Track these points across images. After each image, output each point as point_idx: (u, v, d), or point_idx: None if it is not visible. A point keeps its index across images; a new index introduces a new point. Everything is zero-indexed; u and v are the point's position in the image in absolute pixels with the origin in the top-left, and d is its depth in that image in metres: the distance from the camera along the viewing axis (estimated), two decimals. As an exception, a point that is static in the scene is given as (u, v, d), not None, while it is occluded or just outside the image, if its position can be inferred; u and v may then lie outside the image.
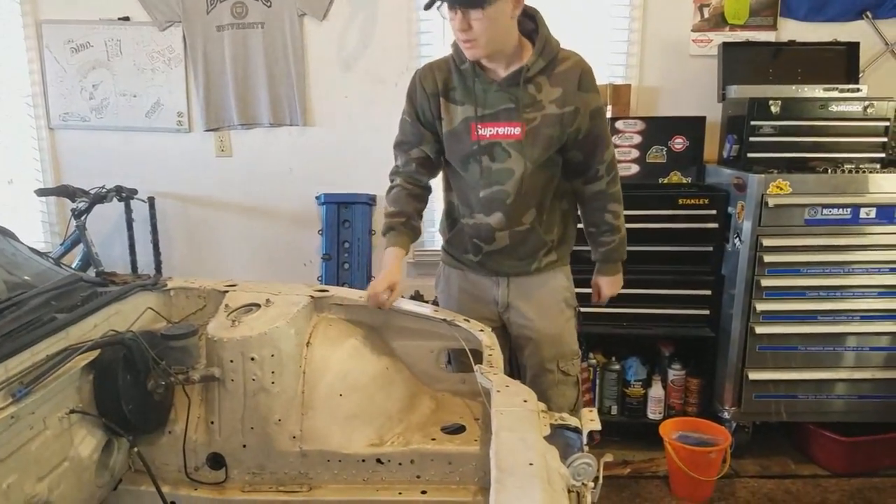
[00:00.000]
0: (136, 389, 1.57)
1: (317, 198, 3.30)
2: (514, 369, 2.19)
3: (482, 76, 1.85)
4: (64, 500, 1.46)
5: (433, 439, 1.74)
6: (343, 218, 3.26)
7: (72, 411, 1.48)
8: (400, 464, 1.71)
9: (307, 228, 3.35)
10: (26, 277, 1.72)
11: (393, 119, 3.13)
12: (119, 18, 3.17)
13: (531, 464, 1.22)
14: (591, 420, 1.49)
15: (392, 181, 2.02)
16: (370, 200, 3.28)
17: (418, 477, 1.72)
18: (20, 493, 1.34)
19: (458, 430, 1.79)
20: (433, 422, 1.83)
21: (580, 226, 2.14)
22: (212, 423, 1.72)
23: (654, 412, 2.91)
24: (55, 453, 1.45)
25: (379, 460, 1.72)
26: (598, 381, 2.93)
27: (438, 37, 3.19)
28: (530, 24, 1.85)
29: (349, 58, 3.21)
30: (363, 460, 1.72)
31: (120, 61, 3.21)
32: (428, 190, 2.04)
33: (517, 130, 1.84)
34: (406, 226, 1.95)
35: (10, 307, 1.50)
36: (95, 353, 1.50)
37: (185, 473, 1.72)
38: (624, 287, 2.74)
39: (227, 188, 3.37)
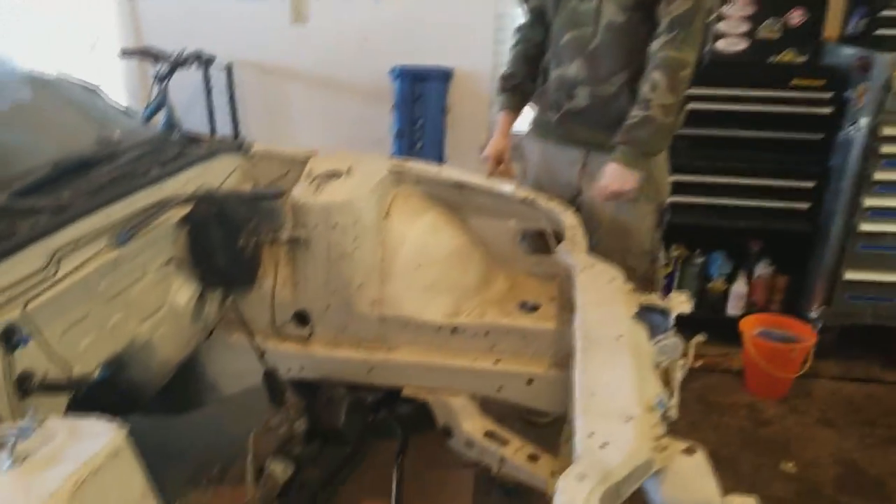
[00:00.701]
0: (228, 244, 1.63)
1: (391, 71, 3.15)
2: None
3: None
4: (163, 341, 1.57)
5: (508, 314, 1.75)
6: (417, 93, 3.11)
7: (169, 261, 1.56)
8: (474, 335, 1.75)
9: (380, 104, 3.24)
10: (118, 133, 1.76)
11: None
12: None
13: (619, 337, 1.20)
14: (681, 302, 1.45)
15: (514, 40, 2.06)
16: (446, 75, 3.11)
17: (492, 348, 1.75)
18: (125, 330, 1.44)
19: (533, 308, 1.79)
20: (508, 299, 1.84)
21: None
22: (297, 282, 1.78)
23: (734, 308, 2.82)
24: (155, 299, 1.54)
25: (454, 329, 1.75)
26: (677, 275, 2.84)
27: None
28: None
29: None
30: (439, 328, 1.75)
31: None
32: (543, 41, 2.01)
33: None
34: (517, 89, 2.02)
35: (109, 157, 1.54)
36: (189, 206, 1.55)
37: (272, 327, 1.80)
38: (716, 175, 2.62)
39: (303, 58, 3.28)
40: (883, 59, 2.33)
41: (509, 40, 2.12)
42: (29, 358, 1.14)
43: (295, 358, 1.81)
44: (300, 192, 1.75)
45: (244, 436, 1.76)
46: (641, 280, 1.96)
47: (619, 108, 1.82)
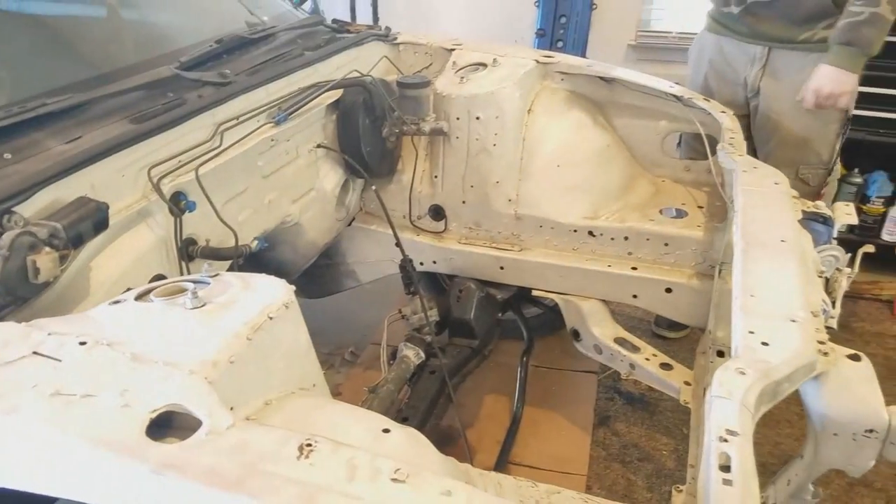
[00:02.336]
0: (374, 133, 1.65)
1: (538, -37, 3.03)
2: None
3: None
4: (310, 223, 1.64)
5: (651, 220, 1.69)
6: (564, -12, 2.98)
7: (319, 145, 1.60)
8: (612, 238, 1.70)
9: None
10: (271, 15, 1.79)
11: None
12: None
13: (784, 240, 1.13)
14: (846, 213, 1.34)
15: None
16: (596, -33, 2.95)
17: (630, 254, 1.70)
18: (279, 209, 1.51)
19: (678, 214, 1.72)
20: (652, 204, 1.77)
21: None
22: (435, 176, 1.79)
23: (890, 233, 2.60)
24: (305, 181, 1.60)
25: (591, 233, 1.72)
26: (834, 194, 2.62)
27: None
28: None
29: None
30: (575, 230, 1.73)
31: None
32: None
33: None
34: None
35: (265, 38, 1.58)
36: (340, 92, 1.57)
37: (409, 220, 1.84)
38: (885, 87, 2.34)
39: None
40: None
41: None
42: (194, 224, 1.21)
43: (429, 251, 1.84)
44: (444, 82, 1.73)
45: (377, 322, 1.85)
46: (812, 194, 1.84)
47: (813, 1, 1.67)
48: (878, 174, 2.57)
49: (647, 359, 1.64)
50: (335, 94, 1.57)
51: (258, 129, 1.37)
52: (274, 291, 0.85)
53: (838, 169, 1.90)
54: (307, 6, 2.98)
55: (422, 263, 1.86)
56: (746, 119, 1.90)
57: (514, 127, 1.72)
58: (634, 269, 1.69)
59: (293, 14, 1.85)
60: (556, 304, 1.78)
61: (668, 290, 1.65)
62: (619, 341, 1.71)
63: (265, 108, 1.37)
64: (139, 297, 0.82)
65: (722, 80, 1.90)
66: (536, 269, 1.77)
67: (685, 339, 2.21)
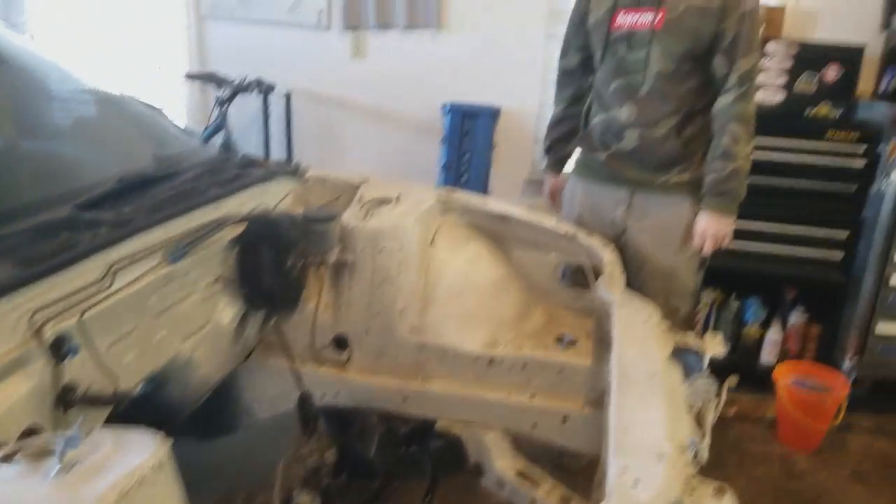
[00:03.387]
0: (276, 266, 1.67)
1: (442, 106, 3.28)
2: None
3: None
4: (204, 360, 1.59)
5: (545, 348, 1.77)
6: (466, 129, 3.23)
7: (217, 279, 1.61)
8: (511, 367, 1.76)
9: (429, 137, 3.36)
10: (178, 152, 1.83)
11: (526, 31, 3.08)
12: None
13: (653, 376, 1.22)
14: (715, 344, 1.46)
15: (555, 100, 2.19)
16: (494, 113, 3.23)
17: (528, 382, 1.76)
18: (170, 347, 1.47)
19: (570, 342, 1.81)
20: (546, 332, 1.86)
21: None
22: (339, 306, 1.82)
23: (768, 355, 2.81)
24: (199, 317, 1.57)
25: (491, 361, 1.77)
26: (712, 318, 2.84)
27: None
28: None
29: (489, -38, 3.11)
30: (476, 359, 1.78)
31: (270, -44, 3.24)
32: (574, 102, 2.12)
33: (658, 17, 1.80)
34: (550, 151, 2.21)
35: (169, 176, 1.61)
36: (243, 225, 1.61)
37: (311, 351, 1.84)
38: (755, 220, 2.63)
39: (359, 90, 3.40)
40: (917, 117, 2.36)
41: (554, 90, 2.21)
42: (75, 369, 1.14)
43: (331, 383, 1.83)
44: (350, 216, 1.81)
45: (273, 464, 1.78)
46: (683, 321, 2.00)
47: (667, 149, 1.89)
48: (753, 299, 2.81)
49: (548, 493, 1.65)
50: (238, 229, 1.61)
51: (154, 267, 1.36)
52: (147, 451, 0.82)
53: (703, 297, 2.08)
54: (217, 142, 3.10)
55: (324, 395, 1.84)
56: (619, 253, 2.05)
57: (416, 257, 1.80)
58: (533, 397, 1.75)
59: (203, 150, 1.91)
60: (460, 438, 1.79)
61: (565, 420, 1.70)
62: (522, 474, 1.72)
63: (161, 246, 1.38)
64: (5, 458, 0.79)
65: (594, 218, 2.06)
66: (439, 400, 1.79)
67: (587, 467, 2.25)
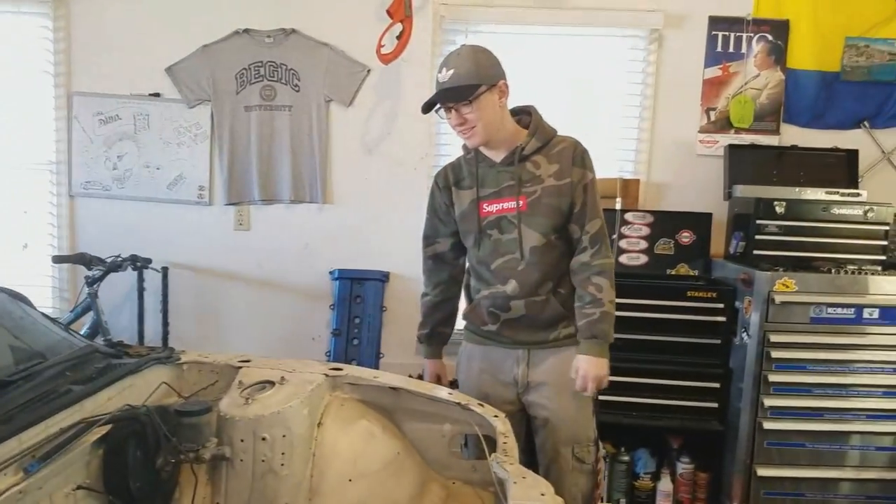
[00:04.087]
0: (145, 467, 1.54)
1: (330, 273, 3.33)
2: (529, 456, 2.14)
3: (485, 161, 2.03)
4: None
5: (443, 531, 1.70)
6: (356, 293, 3.28)
7: (78, 487, 1.45)
8: (408, 556, 1.67)
9: (319, 303, 3.36)
10: (40, 346, 1.72)
11: (409, 200, 3.29)
12: (150, 94, 3.28)
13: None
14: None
15: (423, 288, 2.28)
16: (383, 277, 3.31)
17: (426, 571, 1.67)
18: (21, 572, 1.29)
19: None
20: (444, 511, 1.79)
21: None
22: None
23: (662, 507, 2.84)
24: (57, 531, 1.41)
25: (382, 552, 1.67)
26: (607, 472, 2.87)
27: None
28: (527, 117, 2.03)
29: (371, 142, 3.32)
30: (370, 551, 1.67)
31: (147, 134, 3.30)
32: (452, 287, 2.23)
33: (520, 203, 1.98)
34: (432, 338, 2.26)
35: (26, 377, 1.49)
36: (108, 427, 1.49)
37: (186, 557, 1.66)
38: (633, 376, 2.77)
39: (243, 261, 3.39)
40: (762, 276, 2.65)
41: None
42: None
43: None
44: (228, 404, 1.72)
45: None
46: (591, 472, 2.07)
47: (550, 311, 2.02)
48: (642, 452, 2.88)
49: None
50: (103, 430, 1.48)
51: (5, 487, 1.23)
52: None
53: (601, 448, 2.12)
54: (86, 323, 2.95)
55: None
56: (522, 412, 2.11)
57: (303, 444, 1.71)
58: (432, 587, 1.64)
59: (67, 341, 1.79)
60: None
61: None
62: None
63: (14, 459, 1.25)
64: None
65: (495, 382, 2.11)
66: None
67: None
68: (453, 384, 2.25)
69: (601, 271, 1.96)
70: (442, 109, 1.94)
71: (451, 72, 1.89)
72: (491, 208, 2.02)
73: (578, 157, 1.98)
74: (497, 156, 2.01)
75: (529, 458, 2.10)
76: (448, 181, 2.11)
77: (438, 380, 2.26)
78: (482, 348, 2.13)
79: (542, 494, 1.45)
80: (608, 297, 1.96)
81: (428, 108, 1.95)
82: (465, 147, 2.08)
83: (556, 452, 2.05)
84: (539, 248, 1.98)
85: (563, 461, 2.04)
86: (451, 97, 1.90)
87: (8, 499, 1.23)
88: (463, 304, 2.24)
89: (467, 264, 2.18)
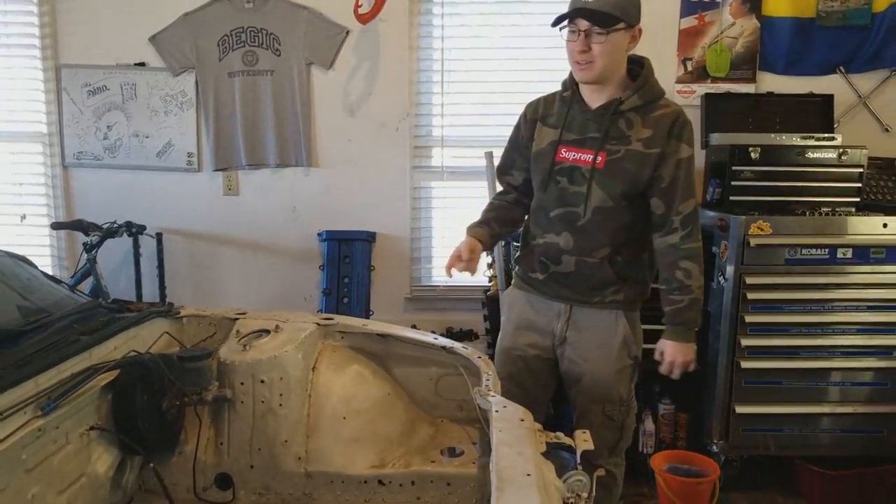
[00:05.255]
0: (152, 409, 1.65)
1: (318, 234, 3.42)
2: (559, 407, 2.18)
3: (579, 104, 1.94)
4: (80, 514, 1.53)
5: (432, 462, 1.83)
6: (343, 254, 3.36)
7: (91, 427, 1.57)
8: (401, 485, 1.79)
9: (308, 264, 3.46)
10: (47, 304, 1.81)
11: (393, 160, 3.35)
12: (135, 64, 3.32)
13: (528, 475, 1.30)
14: (584, 441, 1.57)
15: (494, 196, 2.23)
16: (370, 237, 3.39)
17: (418, 498, 1.79)
18: (43, 503, 1.41)
19: (456, 453, 1.87)
20: (432, 445, 1.91)
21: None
22: (221, 443, 1.80)
23: (645, 446, 2.97)
24: (75, 468, 1.52)
25: (380, 481, 1.79)
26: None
27: (437, 86, 3.38)
28: (638, 69, 1.94)
29: (353, 104, 3.37)
30: (365, 481, 1.79)
31: (134, 104, 3.35)
32: (518, 206, 2.16)
33: (598, 159, 1.89)
34: (482, 224, 2.10)
35: (37, 328, 1.59)
36: (116, 372, 1.59)
37: (193, 493, 1.78)
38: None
39: (233, 226, 3.48)
40: (737, 220, 2.72)
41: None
42: None
43: (216, 525, 1.78)
44: (227, 350, 1.83)
45: None
46: (618, 428, 2.08)
47: (601, 275, 1.98)
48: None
49: None
50: (111, 375, 1.59)
51: (26, 422, 1.33)
52: None
53: (635, 406, 2.16)
54: (86, 288, 3.04)
55: (209, 540, 1.77)
56: (553, 362, 2.11)
57: (299, 386, 1.83)
58: (425, 511, 1.77)
59: (71, 298, 1.88)
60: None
61: (456, 530, 1.74)
62: None
63: (32, 400, 1.35)
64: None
65: (532, 330, 2.11)
66: (331, 528, 1.77)
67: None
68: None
69: (691, 256, 1.92)
70: (567, 30, 1.82)
71: None
72: (568, 155, 1.93)
73: (677, 128, 1.87)
74: (594, 102, 1.91)
75: (556, 414, 2.14)
76: (536, 114, 2.03)
77: (471, 253, 2.00)
78: (526, 295, 2.12)
79: (522, 420, 1.57)
80: (697, 283, 1.92)
81: (558, 21, 1.81)
82: (564, 83, 2.00)
83: (586, 409, 2.06)
84: (604, 210, 1.91)
85: (594, 416, 2.04)
86: (591, 18, 1.76)
87: (28, 436, 1.33)
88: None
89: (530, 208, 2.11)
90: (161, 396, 1.67)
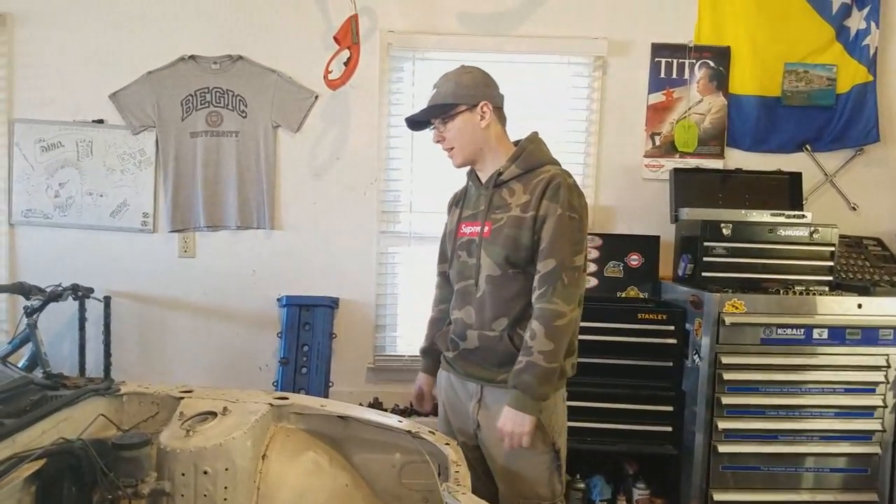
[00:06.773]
0: (81, 503, 1.47)
1: (278, 300, 3.28)
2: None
3: (474, 182, 2.04)
4: None
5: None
6: (304, 321, 3.22)
7: (6, 527, 1.38)
8: (357, 592, 1.62)
9: (266, 331, 3.30)
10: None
11: (359, 225, 3.27)
12: (93, 121, 3.22)
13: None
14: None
15: (433, 302, 2.25)
16: (332, 303, 3.27)
17: None
18: None
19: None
20: (395, 544, 1.75)
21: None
22: (156, 542, 1.61)
23: (618, 533, 2.83)
24: (-20, 577, 1.33)
25: (334, 588, 1.62)
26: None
27: (406, 151, 3.33)
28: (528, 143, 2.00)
29: (320, 167, 3.30)
30: None
31: (90, 161, 3.22)
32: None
33: (486, 228, 1.93)
34: (427, 353, 2.21)
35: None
36: (42, 462, 1.42)
37: None
38: (587, 401, 2.75)
39: (187, 289, 3.33)
40: (711, 298, 2.69)
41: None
42: None
43: None
44: (168, 436, 1.65)
45: None
46: None
47: (502, 350, 1.89)
48: (597, 479, 2.87)
49: None
50: (36, 465, 1.41)
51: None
52: None
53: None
54: (25, 355, 2.84)
55: None
56: (478, 450, 1.99)
57: (246, 477, 1.66)
58: None
59: (4, 373, 1.71)
60: None
61: None
62: None
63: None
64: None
65: (455, 413, 2.04)
66: None
67: None
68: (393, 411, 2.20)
69: (541, 316, 1.79)
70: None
71: (435, 90, 1.96)
72: (466, 229, 2.00)
73: (551, 190, 1.84)
74: (483, 177, 2.01)
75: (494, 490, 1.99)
76: (454, 199, 2.15)
77: (422, 394, 2.20)
78: (447, 375, 2.07)
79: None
80: (539, 346, 1.77)
81: (412, 125, 2.02)
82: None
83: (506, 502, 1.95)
84: (494, 279, 1.89)
85: None
86: (429, 115, 1.96)
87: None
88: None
89: None
90: (92, 489, 1.49)
